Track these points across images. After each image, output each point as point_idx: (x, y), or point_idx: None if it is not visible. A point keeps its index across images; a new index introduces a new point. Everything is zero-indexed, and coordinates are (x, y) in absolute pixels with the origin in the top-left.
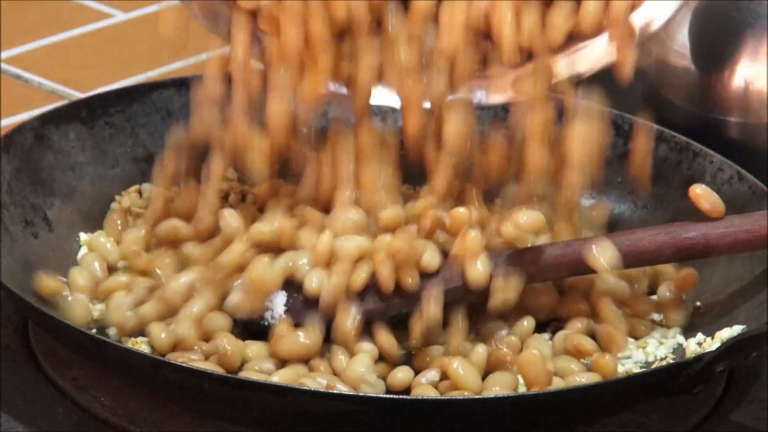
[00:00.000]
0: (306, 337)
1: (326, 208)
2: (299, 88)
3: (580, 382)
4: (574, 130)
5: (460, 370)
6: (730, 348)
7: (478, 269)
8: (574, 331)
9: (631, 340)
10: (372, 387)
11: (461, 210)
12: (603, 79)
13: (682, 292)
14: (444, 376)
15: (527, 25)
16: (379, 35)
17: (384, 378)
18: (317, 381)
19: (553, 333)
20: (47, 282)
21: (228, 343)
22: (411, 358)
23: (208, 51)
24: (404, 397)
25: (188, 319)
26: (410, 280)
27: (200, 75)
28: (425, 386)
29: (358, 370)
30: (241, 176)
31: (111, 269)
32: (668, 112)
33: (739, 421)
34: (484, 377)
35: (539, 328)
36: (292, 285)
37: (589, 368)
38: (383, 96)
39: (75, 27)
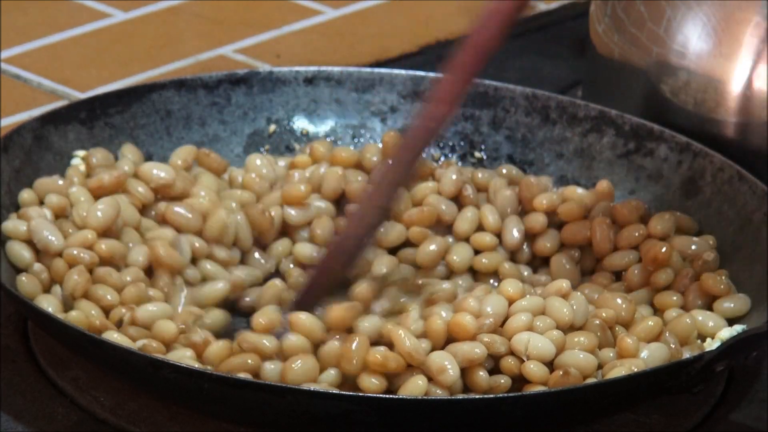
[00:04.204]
0: None
1: None
2: None
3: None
4: None
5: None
6: (730, 348)
7: None
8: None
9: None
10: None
11: None
12: (603, 79)
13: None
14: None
15: None
16: None
17: None
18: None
19: None
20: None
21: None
22: None
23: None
24: (404, 397)
25: None
26: None
27: (200, 75)
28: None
29: None
30: None
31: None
32: (668, 112)
33: (739, 421)
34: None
35: None
36: None
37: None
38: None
39: (75, 27)
